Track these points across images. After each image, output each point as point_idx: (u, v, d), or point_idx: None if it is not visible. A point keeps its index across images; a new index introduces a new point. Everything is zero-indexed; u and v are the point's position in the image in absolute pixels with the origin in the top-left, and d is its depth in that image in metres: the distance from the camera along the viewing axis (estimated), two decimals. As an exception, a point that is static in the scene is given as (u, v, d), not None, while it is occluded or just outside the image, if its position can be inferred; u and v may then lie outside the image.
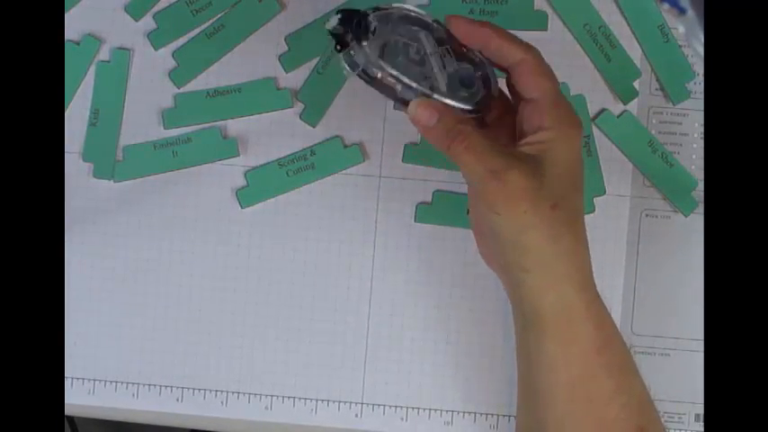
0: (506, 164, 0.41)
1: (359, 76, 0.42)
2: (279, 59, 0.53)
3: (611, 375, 0.43)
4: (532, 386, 0.44)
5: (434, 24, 0.44)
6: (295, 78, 0.53)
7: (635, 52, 0.52)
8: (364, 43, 0.42)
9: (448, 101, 0.42)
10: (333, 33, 0.42)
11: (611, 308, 0.52)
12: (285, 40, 0.53)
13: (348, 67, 0.42)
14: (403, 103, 0.43)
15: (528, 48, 0.43)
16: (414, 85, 0.42)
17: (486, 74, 0.44)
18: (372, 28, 0.42)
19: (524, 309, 0.43)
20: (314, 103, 0.53)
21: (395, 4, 0.43)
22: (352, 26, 0.42)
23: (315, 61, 0.53)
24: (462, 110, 0.43)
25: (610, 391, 0.43)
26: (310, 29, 0.53)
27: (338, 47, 0.42)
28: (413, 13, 0.44)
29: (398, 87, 0.42)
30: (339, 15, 0.42)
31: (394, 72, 0.42)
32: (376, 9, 0.43)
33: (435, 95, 0.42)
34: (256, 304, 0.53)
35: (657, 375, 0.52)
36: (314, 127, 0.53)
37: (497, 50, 0.43)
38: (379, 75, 0.42)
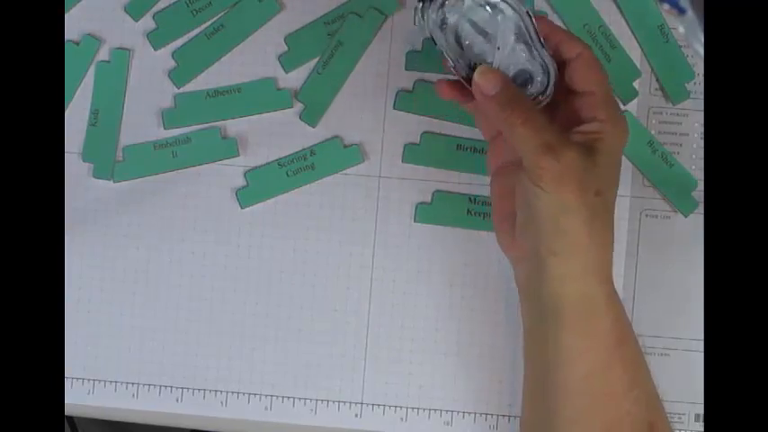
0: (563, 141, 0.41)
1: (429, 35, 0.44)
2: (279, 59, 0.53)
3: (626, 369, 0.43)
4: (545, 380, 0.44)
5: (523, 14, 0.44)
6: (295, 78, 0.53)
7: (635, 52, 0.52)
8: (429, 9, 0.43)
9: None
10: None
11: (611, 308, 0.52)
12: (285, 40, 0.53)
13: (416, 23, 0.44)
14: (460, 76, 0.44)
15: (584, 44, 0.44)
16: (462, 68, 0.44)
17: (549, 72, 0.44)
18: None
19: (543, 297, 0.43)
20: (314, 103, 0.53)
21: None
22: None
23: (315, 61, 0.53)
24: None
25: (625, 385, 0.43)
26: (310, 29, 0.53)
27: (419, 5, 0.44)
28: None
29: (450, 62, 0.44)
30: None
31: (444, 49, 0.44)
32: None
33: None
34: (256, 304, 0.53)
35: (657, 375, 0.52)
36: (314, 127, 0.53)
37: (557, 45, 0.44)
38: (437, 44, 0.44)
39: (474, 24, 0.44)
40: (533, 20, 0.43)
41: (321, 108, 0.53)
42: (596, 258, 0.43)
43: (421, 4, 0.44)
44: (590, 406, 0.43)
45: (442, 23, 0.44)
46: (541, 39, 0.44)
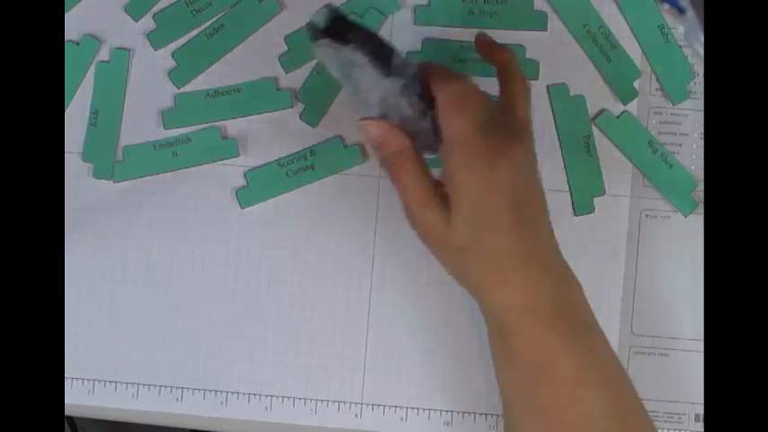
0: (423, 204, 0.43)
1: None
2: (279, 60, 0.53)
3: (557, 388, 0.43)
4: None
5: (405, 69, 0.44)
6: (295, 78, 0.53)
7: (635, 52, 0.52)
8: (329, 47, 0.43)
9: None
10: (314, 26, 0.43)
11: (611, 307, 0.52)
12: (285, 40, 0.53)
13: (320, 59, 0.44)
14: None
15: (442, 84, 0.43)
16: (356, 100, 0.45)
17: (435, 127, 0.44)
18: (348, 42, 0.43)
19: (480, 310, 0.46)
20: (314, 103, 0.53)
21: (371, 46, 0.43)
22: (333, 30, 0.43)
23: (315, 61, 0.53)
24: None
25: (561, 403, 0.43)
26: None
27: (313, 38, 0.43)
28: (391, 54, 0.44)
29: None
30: (331, 16, 0.43)
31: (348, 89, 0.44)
32: (361, 37, 0.43)
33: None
34: (256, 304, 0.53)
35: (657, 375, 0.52)
36: (314, 127, 0.53)
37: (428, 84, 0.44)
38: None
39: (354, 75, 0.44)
40: (409, 91, 0.43)
41: (321, 108, 0.53)
42: (496, 295, 0.43)
43: (327, 41, 0.43)
44: (526, 418, 0.44)
45: (343, 66, 0.44)
46: (416, 102, 0.43)
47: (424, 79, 0.44)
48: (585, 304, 0.45)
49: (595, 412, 0.43)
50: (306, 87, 0.53)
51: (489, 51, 0.48)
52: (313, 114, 0.53)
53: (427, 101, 0.43)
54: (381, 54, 0.43)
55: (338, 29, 0.43)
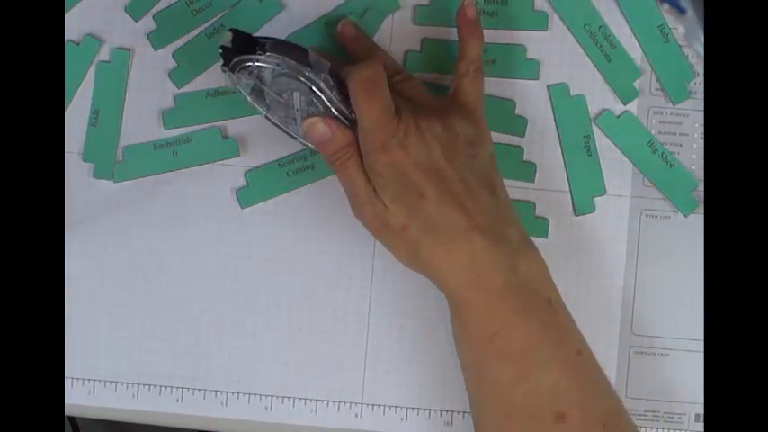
0: (365, 197, 0.46)
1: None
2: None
3: (508, 362, 0.44)
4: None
5: (316, 73, 0.45)
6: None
7: (635, 52, 0.52)
8: (239, 74, 0.46)
9: (308, 144, 0.48)
10: (224, 48, 0.45)
11: (611, 308, 0.52)
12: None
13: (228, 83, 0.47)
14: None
15: (351, 72, 0.45)
16: (279, 124, 0.48)
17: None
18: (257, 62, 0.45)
19: None
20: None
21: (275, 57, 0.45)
22: (243, 47, 0.45)
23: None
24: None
25: (512, 377, 0.44)
26: (310, 29, 0.53)
27: (223, 66, 0.46)
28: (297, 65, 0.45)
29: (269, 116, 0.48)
30: (232, 35, 0.45)
31: (259, 108, 0.48)
32: (271, 44, 0.45)
33: (299, 139, 0.48)
34: (256, 304, 0.53)
35: (657, 375, 0.52)
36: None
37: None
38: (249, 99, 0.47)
39: (274, 88, 0.46)
40: (331, 83, 0.45)
41: None
42: (443, 271, 0.45)
43: (227, 70, 0.46)
44: (482, 394, 0.46)
45: (253, 88, 0.47)
46: (337, 98, 0.45)
47: (339, 71, 0.46)
48: (545, 280, 0.46)
49: (545, 389, 0.44)
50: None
51: (460, 22, 0.49)
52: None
53: (344, 92, 0.46)
54: (297, 54, 0.45)
55: (247, 44, 0.45)
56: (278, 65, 0.45)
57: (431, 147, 0.45)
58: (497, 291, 0.44)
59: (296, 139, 0.49)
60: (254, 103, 0.48)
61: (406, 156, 0.45)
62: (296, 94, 0.46)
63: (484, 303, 0.45)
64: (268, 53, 0.45)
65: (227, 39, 0.45)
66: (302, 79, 0.45)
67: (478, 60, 0.49)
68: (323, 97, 0.45)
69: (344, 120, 0.46)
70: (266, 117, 0.48)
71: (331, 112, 0.46)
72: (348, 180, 0.46)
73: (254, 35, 0.46)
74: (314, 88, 0.45)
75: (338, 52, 0.52)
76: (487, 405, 0.46)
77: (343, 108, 0.46)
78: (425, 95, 0.49)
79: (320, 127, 0.46)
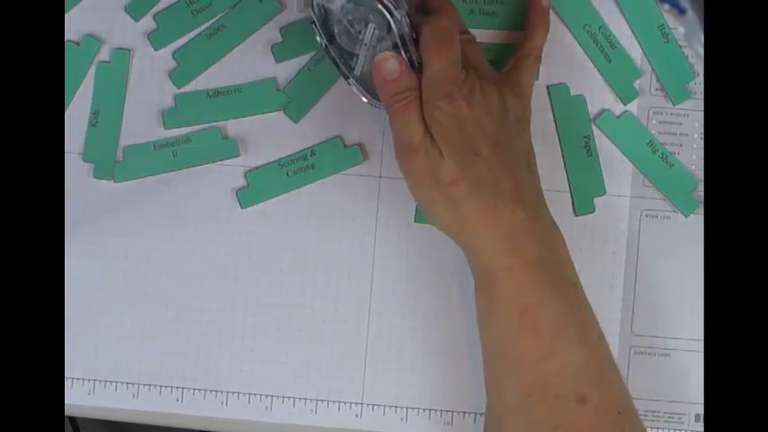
0: (419, 143, 0.45)
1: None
2: (271, 49, 0.52)
3: (538, 337, 0.44)
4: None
5: (397, 18, 0.45)
6: (288, 74, 0.53)
7: (635, 52, 0.52)
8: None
9: (357, 89, 0.47)
10: None
11: (612, 307, 0.52)
12: (280, 30, 0.52)
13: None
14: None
15: (426, 20, 0.45)
16: (336, 58, 0.47)
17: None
18: None
19: (469, 263, 0.47)
20: (299, 99, 0.53)
21: None
22: None
23: (306, 56, 0.53)
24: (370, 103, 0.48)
25: (539, 354, 0.44)
26: (305, 23, 0.53)
27: None
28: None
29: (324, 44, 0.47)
30: None
31: (321, 36, 0.46)
32: None
33: (350, 79, 0.47)
34: (256, 304, 0.53)
35: (657, 375, 0.52)
36: (296, 122, 0.53)
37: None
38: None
39: (347, 16, 0.46)
40: (408, 22, 0.45)
41: (305, 105, 0.53)
42: (480, 235, 0.45)
43: None
44: (504, 371, 0.46)
45: (320, 15, 0.46)
46: (408, 39, 0.45)
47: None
48: (571, 263, 0.47)
49: (571, 368, 0.44)
50: (294, 81, 0.53)
51: (533, 8, 0.50)
52: (296, 110, 0.53)
53: (414, 38, 0.45)
54: None
55: None
56: None
57: (491, 112, 0.46)
58: (534, 264, 0.45)
59: (347, 78, 0.47)
60: (319, 30, 0.46)
61: (469, 110, 0.45)
62: (371, 26, 0.45)
63: (519, 275, 0.45)
64: None
65: None
66: (383, 10, 0.44)
67: (541, 48, 0.50)
68: (396, 33, 0.45)
69: (410, 64, 0.45)
70: (325, 48, 0.47)
71: (400, 51, 0.45)
72: (405, 124, 0.45)
73: None
74: (392, 23, 0.44)
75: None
76: (508, 382, 0.45)
77: (412, 51, 0.45)
78: (485, 63, 0.49)
79: (392, 63, 0.45)
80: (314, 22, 0.46)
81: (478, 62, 0.49)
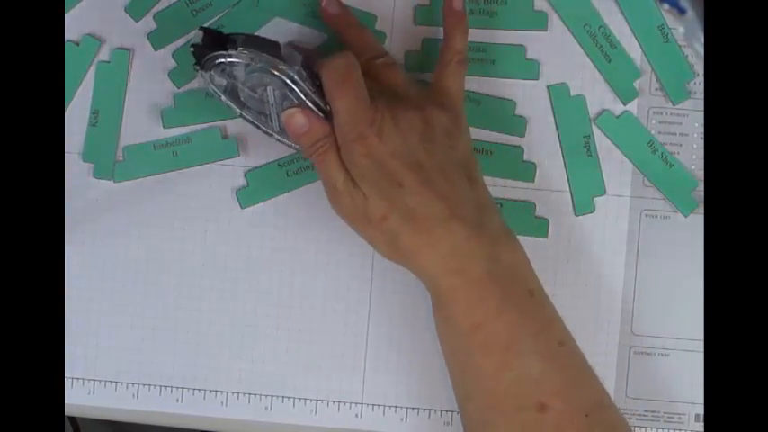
0: (343, 188, 0.46)
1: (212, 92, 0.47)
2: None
3: (490, 353, 0.44)
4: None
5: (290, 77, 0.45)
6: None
7: (635, 52, 0.52)
8: (211, 72, 0.46)
9: (284, 143, 0.49)
10: (195, 46, 0.46)
11: (611, 308, 0.52)
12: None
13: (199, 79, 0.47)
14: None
15: (324, 63, 0.46)
16: (254, 121, 0.48)
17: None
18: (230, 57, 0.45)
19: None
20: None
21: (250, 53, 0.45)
22: (214, 43, 0.45)
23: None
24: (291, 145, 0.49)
25: (493, 367, 0.44)
26: (293, 9, 0.53)
27: (195, 65, 0.46)
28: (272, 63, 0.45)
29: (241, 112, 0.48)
30: (202, 34, 0.45)
31: (233, 107, 0.48)
32: (242, 40, 0.45)
33: (273, 136, 0.48)
34: (256, 304, 0.53)
35: (657, 375, 0.52)
36: None
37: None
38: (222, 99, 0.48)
39: (247, 84, 0.46)
40: (306, 75, 0.45)
41: None
42: (424, 261, 0.45)
43: (199, 68, 0.46)
44: (465, 385, 0.46)
45: (226, 87, 0.47)
46: (311, 90, 0.45)
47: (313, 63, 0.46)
48: (526, 270, 0.46)
49: (527, 379, 0.44)
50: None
51: (446, 11, 0.49)
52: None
53: (318, 84, 0.46)
54: (269, 48, 0.45)
55: (218, 41, 0.45)
56: (251, 60, 0.45)
57: (408, 136, 0.45)
58: (479, 280, 0.45)
59: (271, 136, 0.49)
60: (229, 102, 0.48)
61: (382, 145, 0.45)
62: (270, 89, 0.46)
63: (466, 293, 0.45)
64: (240, 48, 0.45)
65: (197, 37, 0.45)
66: (276, 72, 0.45)
67: (463, 52, 0.49)
68: (297, 90, 0.45)
69: (320, 112, 0.46)
70: (241, 116, 0.48)
71: (306, 104, 0.46)
72: (326, 171, 0.46)
73: (226, 33, 0.46)
74: (288, 81, 0.45)
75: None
76: (472, 396, 0.46)
77: (317, 100, 0.46)
78: (405, 83, 0.49)
79: (299, 118, 0.45)
80: (221, 97, 0.47)
81: (396, 84, 0.48)
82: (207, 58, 0.45)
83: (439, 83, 0.49)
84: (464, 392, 0.47)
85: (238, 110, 0.48)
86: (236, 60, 0.45)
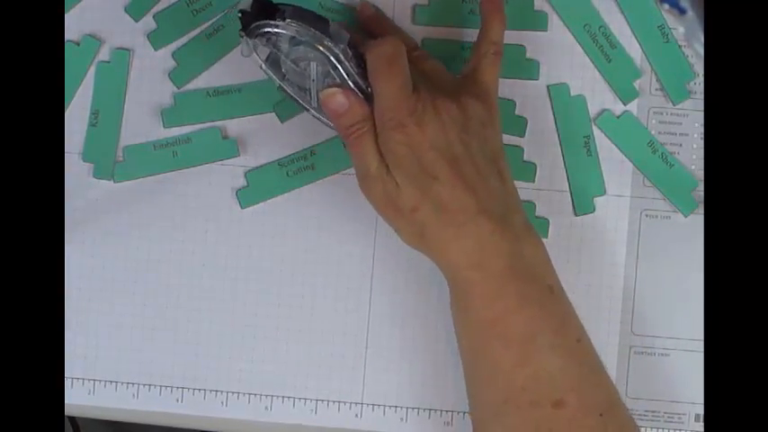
0: (376, 174, 0.45)
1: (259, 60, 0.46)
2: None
3: (508, 347, 0.44)
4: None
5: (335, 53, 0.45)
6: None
7: (635, 52, 0.52)
8: (256, 40, 0.45)
9: (320, 120, 0.48)
10: (244, 12, 0.45)
11: (612, 307, 0.52)
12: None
13: (245, 51, 0.46)
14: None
15: (370, 47, 0.46)
16: (292, 95, 0.47)
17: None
18: (279, 27, 0.44)
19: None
20: (290, 100, 0.52)
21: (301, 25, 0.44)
22: (258, 16, 0.44)
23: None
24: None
25: (511, 362, 0.44)
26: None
27: (241, 31, 0.45)
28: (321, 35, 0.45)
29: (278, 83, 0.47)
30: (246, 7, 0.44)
31: (273, 77, 0.46)
32: (291, 11, 0.44)
33: (311, 111, 0.47)
34: (256, 304, 0.53)
35: (657, 375, 0.52)
36: (282, 122, 0.53)
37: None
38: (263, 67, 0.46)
39: (291, 56, 0.46)
40: (351, 54, 0.45)
41: (295, 108, 0.53)
42: (448, 254, 0.45)
43: (245, 35, 0.45)
44: (480, 379, 0.46)
45: (268, 56, 0.46)
46: (354, 71, 0.45)
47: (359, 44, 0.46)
48: (547, 266, 0.46)
49: (545, 375, 0.44)
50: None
51: (484, 3, 0.49)
52: (286, 110, 0.53)
53: (362, 66, 0.45)
54: (317, 23, 0.45)
55: (267, 9, 0.45)
56: (297, 32, 0.44)
57: (447, 128, 0.45)
58: (501, 275, 0.45)
59: (308, 111, 0.48)
60: (269, 72, 0.47)
61: (422, 136, 0.44)
62: (313, 64, 0.45)
63: (487, 287, 0.45)
64: (288, 20, 0.44)
65: (246, 2, 0.44)
66: (321, 48, 0.44)
67: (499, 43, 0.49)
68: (340, 68, 0.45)
69: (361, 93, 0.45)
70: (280, 87, 0.47)
71: (348, 84, 0.45)
72: (361, 155, 0.46)
73: (275, 1, 0.45)
74: (332, 58, 0.44)
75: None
76: (486, 390, 0.46)
77: (360, 82, 0.45)
78: (442, 73, 0.49)
79: (339, 98, 0.45)
80: (261, 66, 0.46)
81: (435, 75, 0.48)
82: (253, 25, 0.44)
83: (474, 75, 0.48)
84: (478, 386, 0.46)
85: (278, 80, 0.47)
86: (283, 32, 0.44)
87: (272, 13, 0.44)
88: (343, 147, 0.53)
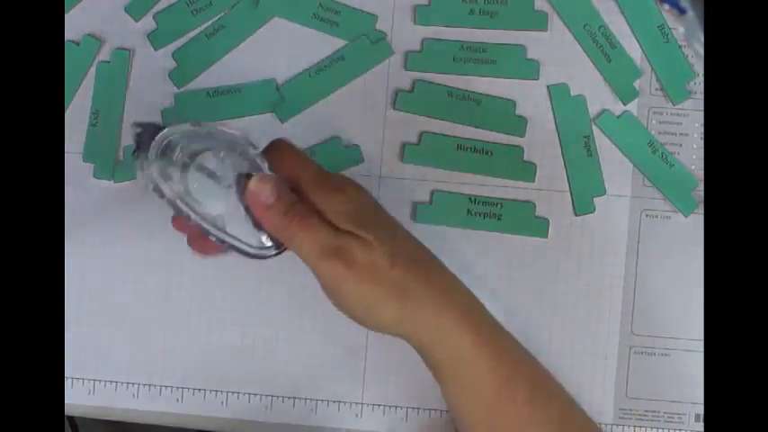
0: (340, 244, 0.41)
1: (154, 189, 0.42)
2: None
3: (517, 408, 0.43)
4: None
5: (247, 151, 0.44)
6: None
7: (635, 52, 0.52)
8: (152, 162, 0.42)
9: (231, 240, 0.43)
10: (136, 138, 0.42)
11: (612, 307, 0.52)
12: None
13: (140, 176, 0.42)
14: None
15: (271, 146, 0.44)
16: (197, 219, 0.42)
17: None
18: (168, 147, 0.42)
19: (426, 360, 0.44)
20: (292, 100, 0.53)
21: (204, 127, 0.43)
22: (146, 141, 0.42)
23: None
24: (246, 249, 0.43)
25: (520, 423, 0.43)
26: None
27: (135, 153, 0.42)
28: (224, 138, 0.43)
29: (185, 213, 0.42)
30: (138, 130, 0.42)
31: (179, 203, 0.42)
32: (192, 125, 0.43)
33: (221, 233, 0.43)
34: (256, 304, 0.53)
35: (657, 375, 0.52)
36: (282, 122, 0.53)
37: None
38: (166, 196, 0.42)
39: (201, 168, 0.43)
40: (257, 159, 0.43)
41: (296, 108, 0.53)
42: (437, 317, 0.42)
43: (137, 154, 0.42)
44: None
45: (168, 176, 0.42)
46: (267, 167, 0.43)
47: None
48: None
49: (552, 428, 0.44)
50: (291, 83, 0.52)
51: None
52: (286, 110, 0.53)
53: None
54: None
55: (154, 130, 0.42)
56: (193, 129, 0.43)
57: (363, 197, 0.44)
58: (494, 331, 0.44)
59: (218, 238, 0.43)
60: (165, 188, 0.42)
61: (361, 192, 0.44)
62: (220, 155, 0.43)
63: (485, 351, 0.43)
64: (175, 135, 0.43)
65: (132, 131, 0.43)
66: (225, 131, 0.44)
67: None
68: (250, 149, 0.44)
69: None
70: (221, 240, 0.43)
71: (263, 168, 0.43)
72: (311, 235, 0.42)
73: (157, 123, 0.44)
74: (242, 141, 0.43)
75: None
76: None
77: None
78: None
79: (266, 186, 0.42)
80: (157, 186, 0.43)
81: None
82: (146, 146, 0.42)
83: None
84: None
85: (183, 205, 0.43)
86: (176, 132, 0.43)
87: (153, 135, 0.42)
88: (342, 146, 0.52)
